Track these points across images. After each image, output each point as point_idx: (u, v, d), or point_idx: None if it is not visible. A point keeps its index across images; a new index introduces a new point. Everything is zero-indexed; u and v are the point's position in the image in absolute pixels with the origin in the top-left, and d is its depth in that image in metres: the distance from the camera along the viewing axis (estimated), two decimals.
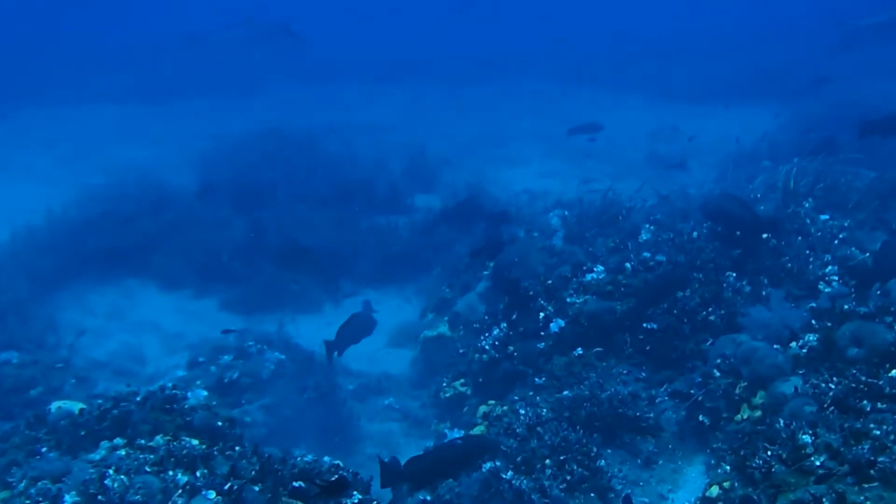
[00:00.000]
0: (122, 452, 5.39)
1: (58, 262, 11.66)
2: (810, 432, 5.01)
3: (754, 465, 5.13)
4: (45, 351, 8.75)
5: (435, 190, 16.42)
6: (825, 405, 5.39)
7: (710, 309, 7.32)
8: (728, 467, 5.53)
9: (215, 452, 5.45)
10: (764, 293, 7.46)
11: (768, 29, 28.60)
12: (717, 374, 6.33)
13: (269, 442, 8.00)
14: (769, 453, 5.10)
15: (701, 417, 6.09)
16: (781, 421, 5.32)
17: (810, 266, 7.65)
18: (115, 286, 11.80)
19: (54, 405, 6.30)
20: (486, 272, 10.66)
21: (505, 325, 8.24)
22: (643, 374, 7.00)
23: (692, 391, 6.39)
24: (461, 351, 8.65)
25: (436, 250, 13.17)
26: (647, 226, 9.51)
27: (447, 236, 13.42)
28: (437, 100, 24.05)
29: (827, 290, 7.27)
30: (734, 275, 7.73)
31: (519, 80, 26.40)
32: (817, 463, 4.75)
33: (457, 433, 7.12)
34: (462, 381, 8.36)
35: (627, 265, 8.00)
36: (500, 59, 28.47)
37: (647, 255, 8.07)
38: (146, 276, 12.05)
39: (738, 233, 8.02)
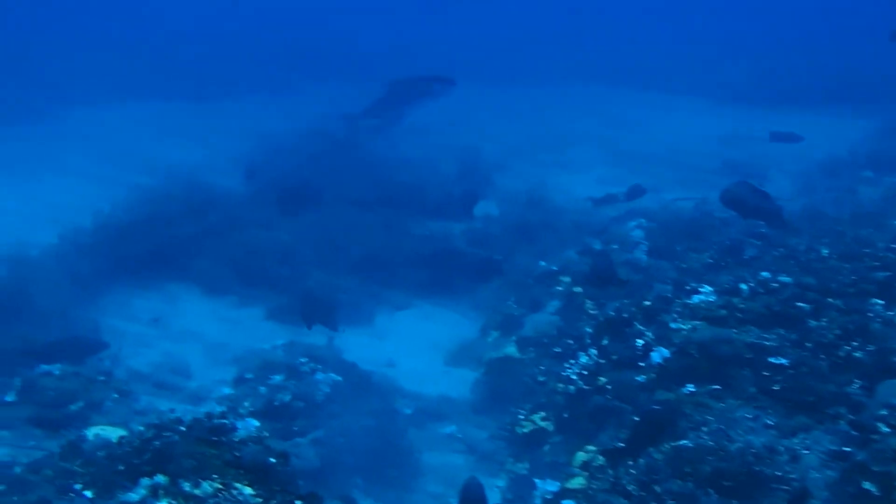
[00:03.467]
0: (164, 503, 4.45)
1: (103, 264, 11.00)
2: None
3: None
4: (88, 361, 7.92)
5: (489, 195, 15.40)
6: None
7: (855, 343, 6.15)
8: None
9: None
10: None
11: (846, 28, 27.11)
12: (886, 429, 5.18)
13: (322, 476, 7.08)
14: None
15: (866, 485, 4.94)
16: None
17: None
18: (158, 291, 11.08)
19: (91, 431, 5.71)
20: (559, 288, 9.64)
21: (595, 351, 7.17)
22: (772, 421, 5.86)
23: (845, 448, 5.24)
24: (540, 379, 7.60)
25: (493, 260, 12.17)
26: (752, 240, 8.41)
27: (507, 245, 12.44)
28: (486, 102, 23.03)
29: None
30: (882, 302, 6.54)
31: (571, 83, 25.33)
32: None
33: (549, 485, 6.04)
34: (542, 414, 7.31)
35: (744, 286, 6.87)
36: (551, 61, 27.45)
37: (766, 274, 6.95)
38: (190, 281, 11.30)
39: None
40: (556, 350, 7.85)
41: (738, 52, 25.98)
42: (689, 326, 6.72)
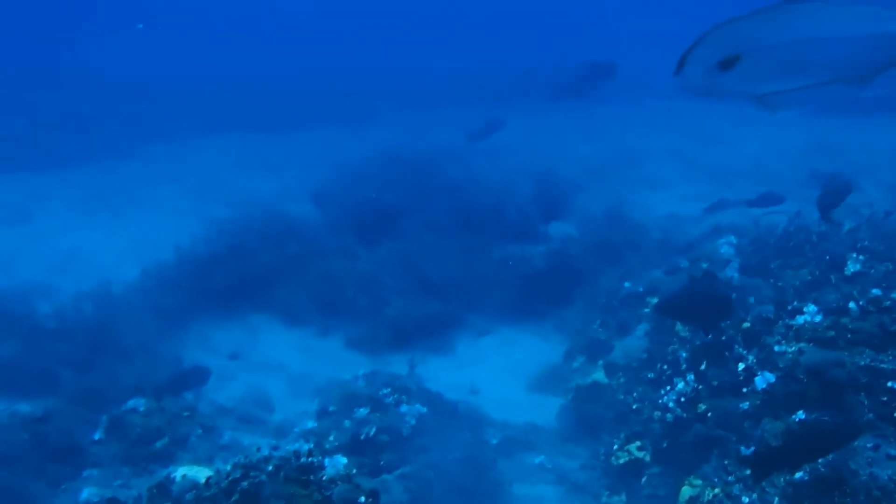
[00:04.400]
0: None
1: (184, 298, 11.17)
2: None
3: None
4: (171, 396, 8.01)
5: (568, 215, 15.09)
6: None
7: None
8: None
9: None
10: None
11: None
12: None
13: None
14: None
15: None
16: None
17: None
18: (239, 323, 11.15)
19: (179, 472, 5.69)
20: (647, 310, 9.26)
21: (692, 377, 6.78)
22: (893, 451, 5.38)
23: None
24: (635, 407, 7.25)
25: (576, 281, 11.83)
26: (854, 255, 7.87)
27: (589, 266, 12.09)
28: (560, 120, 22.74)
29: None
30: None
31: (644, 97, 24.78)
32: None
33: None
34: (638, 443, 6.95)
35: (852, 305, 6.39)
36: (620, 77, 26.96)
37: (877, 291, 6.44)
38: (270, 312, 11.33)
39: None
40: (649, 375, 7.47)
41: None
42: (795, 349, 6.27)
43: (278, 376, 9.87)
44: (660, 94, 25.17)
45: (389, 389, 7.88)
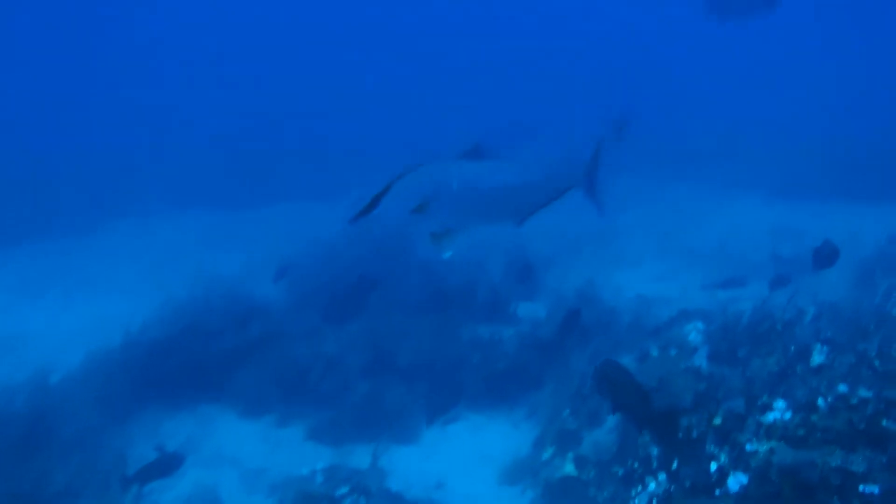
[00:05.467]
0: None
1: (132, 387, 10.64)
2: None
3: None
4: (112, 496, 7.54)
5: (539, 296, 15.02)
6: None
7: None
8: None
9: None
10: None
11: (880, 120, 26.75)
12: None
13: None
14: None
15: None
16: None
17: None
18: (192, 412, 10.67)
19: None
20: None
21: (664, 476, 6.55)
22: None
23: None
24: None
25: (546, 365, 11.65)
26: (819, 345, 7.80)
27: (559, 349, 11.92)
28: None
29: None
30: None
31: (618, 174, 25.14)
32: None
33: None
34: None
35: (821, 401, 6.26)
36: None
37: (844, 388, 6.32)
38: (226, 400, 10.89)
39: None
40: (620, 472, 7.23)
41: (794, 144, 25.70)
42: (767, 448, 6.09)
43: (231, 472, 9.38)
44: (630, 172, 25.69)
45: (348, 489, 7.53)
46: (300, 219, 21.32)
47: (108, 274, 16.78)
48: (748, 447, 6.18)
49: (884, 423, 5.89)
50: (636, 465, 7.06)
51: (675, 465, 6.54)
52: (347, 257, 14.75)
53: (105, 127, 33.65)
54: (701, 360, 8.85)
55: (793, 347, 7.98)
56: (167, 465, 8.18)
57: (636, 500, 6.53)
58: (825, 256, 9.91)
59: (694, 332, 9.69)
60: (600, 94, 34.62)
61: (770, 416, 6.39)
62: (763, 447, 6.12)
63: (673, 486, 6.41)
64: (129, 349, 11.46)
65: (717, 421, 6.62)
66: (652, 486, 6.55)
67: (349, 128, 33.29)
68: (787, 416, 6.34)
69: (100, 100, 38.59)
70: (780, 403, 6.53)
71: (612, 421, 8.65)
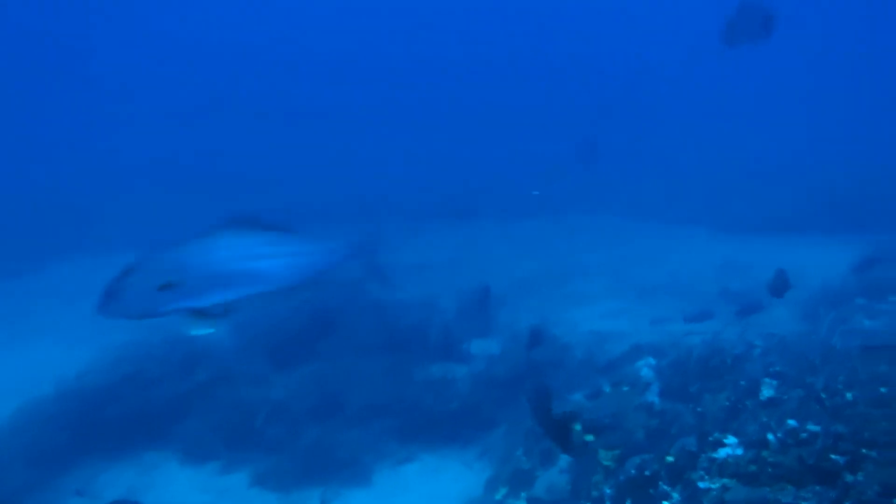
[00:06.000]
0: None
1: (67, 438, 10.14)
2: None
3: None
4: None
5: (493, 333, 14.90)
6: None
7: None
8: None
9: None
10: None
11: (838, 155, 27.64)
12: None
13: None
14: None
15: None
16: None
17: None
18: (132, 462, 10.21)
19: None
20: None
21: None
22: None
23: None
24: None
25: (500, 403, 11.50)
26: (768, 380, 7.83)
27: (513, 388, 11.79)
28: (488, 235, 22.98)
29: None
30: None
31: (569, 213, 25.42)
32: None
33: None
34: None
35: (771, 436, 6.24)
36: (551, 193, 27.68)
37: (793, 423, 6.32)
38: (167, 449, 10.46)
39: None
40: None
41: (739, 181, 26.29)
42: (719, 485, 6.03)
43: None
44: (583, 210, 25.99)
45: None
46: None
47: (45, 318, 16.13)
48: (701, 485, 6.12)
49: (832, 457, 5.89)
50: None
51: None
52: (296, 299, 14.43)
53: (52, 165, 32.96)
54: (653, 397, 8.82)
55: (743, 382, 7.99)
56: None
57: None
58: (778, 287, 10.21)
59: (646, 368, 9.70)
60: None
61: (722, 453, 6.35)
62: (716, 485, 6.06)
63: None
64: (64, 399, 10.97)
65: (670, 459, 6.55)
66: None
67: (298, 165, 33.13)
68: (739, 452, 6.30)
69: (44, 137, 37.83)
70: (731, 440, 6.50)
71: (564, 461, 8.52)
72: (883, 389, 6.54)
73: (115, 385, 11.05)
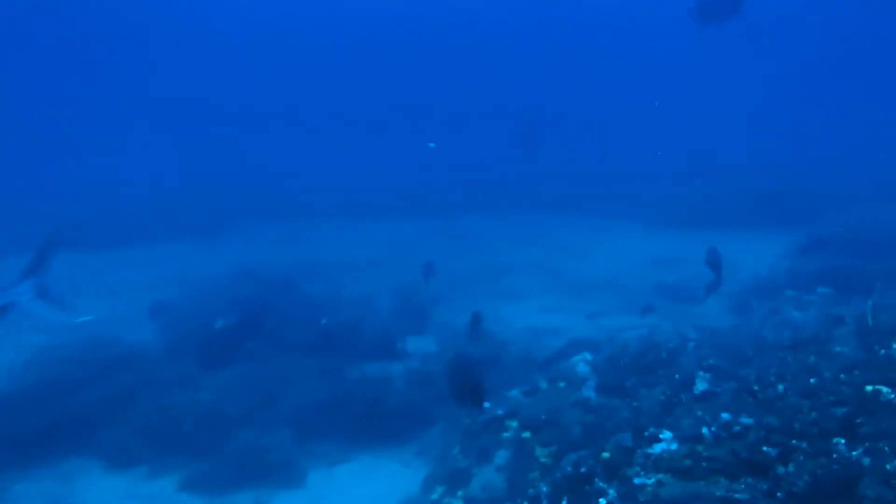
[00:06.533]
0: None
1: None
2: None
3: None
4: None
5: (429, 330, 14.75)
6: None
7: (827, 490, 5.51)
8: None
9: None
10: (889, 467, 5.70)
11: (767, 152, 28.51)
12: None
13: None
14: None
15: None
16: None
17: None
18: (52, 470, 9.66)
19: None
20: (507, 434, 8.87)
21: None
22: None
23: None
24: None
25: (437, 401, 11.34)
26: (702, 373, 7.89)
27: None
28: (425, 233, 22.85)
29: None
30: (843, 441, 5.99)
31: (506, 211, 25.48)
32: None
33: None
34: None
35: (705, 430, 6.25)
36: (489, 190, 27.75)
37: (727, 416, 6.36)
38: (90, 455, 9.95)
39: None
40: None
41: (675, 178, 26.78)
42: (655, 480, 6.02)
43: None
44: (520, 206, 26.11)
45: None
46: (174, 258, 20.35)
47: None
48: (637, 481, 6.09)
49: (765, 449, 5.93)
50: (525, 503, 6.85)
51: (564, 502, 6.37)
52: (225, 299, 14.00)
53: None
54: (589, 392, 8.80)
55: (678, 376, 8.04)
56: None
57: None
58: (713, 262, 10.50)
59: (582, 364, 9.68)
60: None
61: (657, 448, 6.34)
62: (651, 480, 6.04)
63: None
64: None
65: (606, 455, 6.51)
66: None
67: (234, 167, 32.54)
68: (674, 446, 6.31)
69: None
70: (666, 434, 6.51)
71: (501, 458, 8.43)
72: (812, 380, 6.63)
73: (30, 390, 10.47)
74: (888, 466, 5.61)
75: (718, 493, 5.71)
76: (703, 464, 5.99)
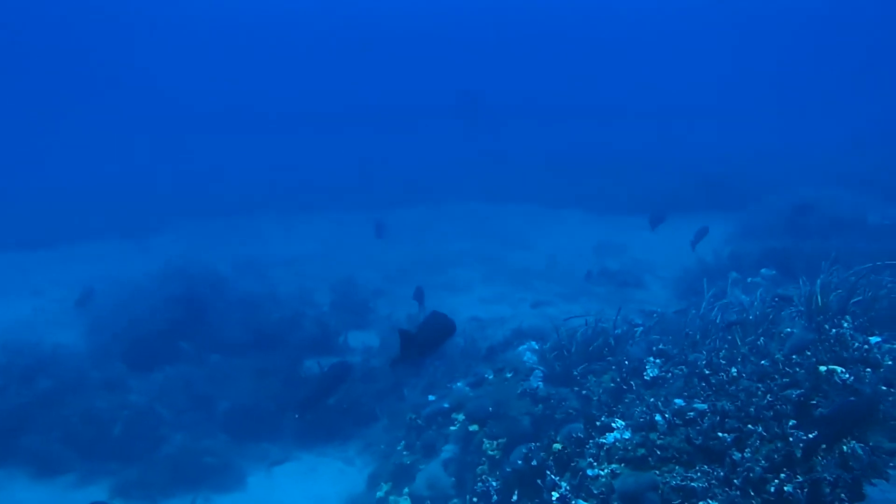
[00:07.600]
0: None
1: None
2: None
3: None
4: None
5: (371, 325, 14.39)
6: None
7: (783, 476, 5.40)
8: None
9: None
10: (846, 449, 5.61)
11: (707, 141, 28.96)
12: None
13: None
14: None
15: None
16: None
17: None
18: None
19: None
20: (453, 428, 8.60)
21: None
22: None
23: None
24: None
25: (380, 396, 11.03)
26: (652, 359, 7.73)
27: (391, 380, 11.33)
28: (362, 226, 22.42)
29: None
30: (794, 422, 5.88)
31: (448, 201, 25.22)
32: None
33: None
34: None
35: (659, 417, 6.08)
36: (426, 181, 27.45)
37: (680, 402, 6.20)
38: (13, 464, 9.32)
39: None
40: None
41: (615, 162, 26.92)
42: (608, 471, 5.81)
43: None
44: (459, 196, 25.87)
45: None
46: (107, 258, 19.47)
47: None
48: (589, 472, 5.87)
49: (720, 435, 5.79)
50: (475, 500, 6.58)
51: (514, 497, 6.13)
52: (155, 298, 13.33)
53: None
54: (537, 382, 8.57)
55: (627, 362, 7.87)
56: None
57: None
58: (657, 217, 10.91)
59: (528, 353, 9.45)
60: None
61: (610, 437, 6.14)
62: (604, 471, 5.84)
63: None
64: None
65: (557, 446, 6.29)
66: None
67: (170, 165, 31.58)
68: (627, 435, 6.12)
69: None
70: (619, 423, 6.31)
71: (447, 453, 8.16)
72: (764, 362, 6.52)
73: None
74: (845, 448, 5.52)
75: (674, 483, 5.54)
76: (658, 452, 5.81)
